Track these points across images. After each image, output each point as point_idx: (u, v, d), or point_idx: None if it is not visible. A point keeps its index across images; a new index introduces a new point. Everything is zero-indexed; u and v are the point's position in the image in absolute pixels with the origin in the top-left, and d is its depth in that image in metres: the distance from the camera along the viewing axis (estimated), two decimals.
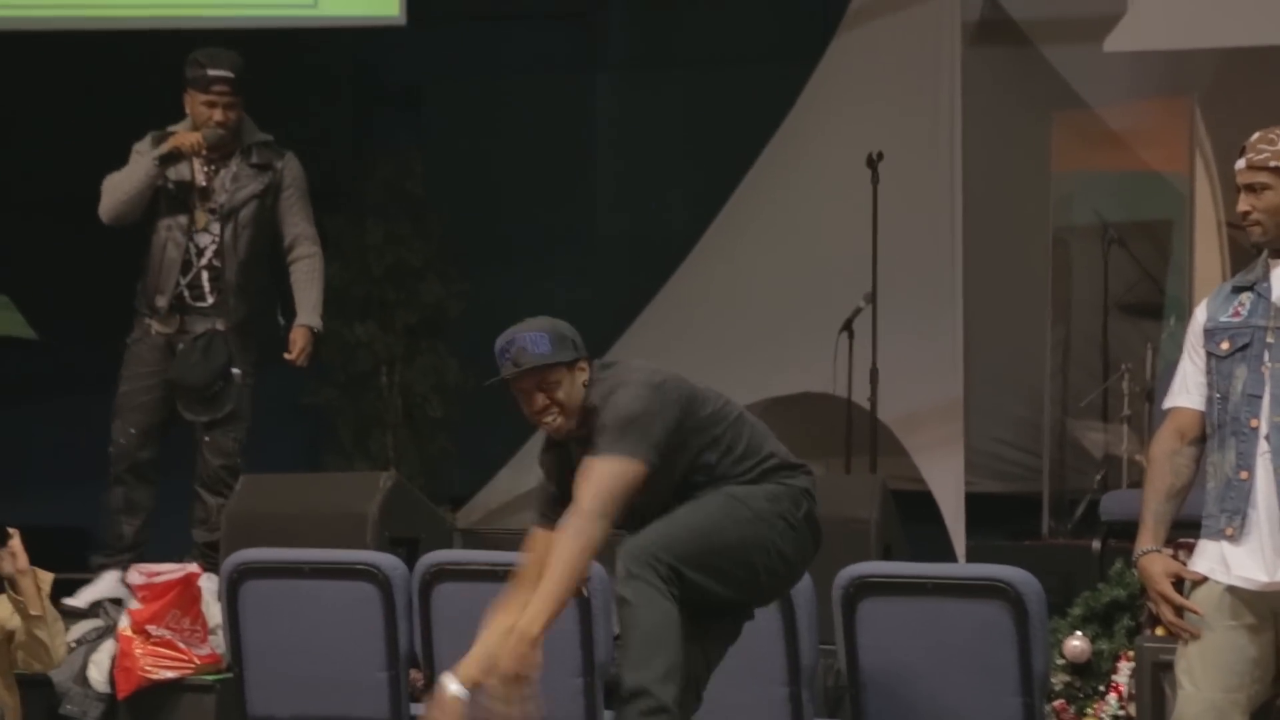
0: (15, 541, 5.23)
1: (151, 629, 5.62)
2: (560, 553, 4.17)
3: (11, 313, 6.91)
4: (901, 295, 7.38)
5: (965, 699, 4.71)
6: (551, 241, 9.28)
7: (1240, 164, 4.09)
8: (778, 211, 8.17)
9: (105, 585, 6.11)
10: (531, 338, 4.33)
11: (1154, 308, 7.97)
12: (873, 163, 7.28)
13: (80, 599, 6.05)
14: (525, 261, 9.17)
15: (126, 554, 6.15)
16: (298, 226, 6.31)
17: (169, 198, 6.17)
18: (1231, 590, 3.99)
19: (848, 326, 7.33)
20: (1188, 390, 4.13)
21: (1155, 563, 4.06)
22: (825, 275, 7.82)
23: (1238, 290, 4.11)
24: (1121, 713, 5.03)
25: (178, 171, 6.17)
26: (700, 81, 9.13)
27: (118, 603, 6.01)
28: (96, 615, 5.98)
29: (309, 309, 6.31)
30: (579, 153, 9.51)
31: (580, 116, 9.54)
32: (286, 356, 6.26)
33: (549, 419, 4.27)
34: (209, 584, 5.79)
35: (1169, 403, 4.17)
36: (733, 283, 8.29)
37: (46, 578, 5.39)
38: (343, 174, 9.25)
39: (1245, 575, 3.98)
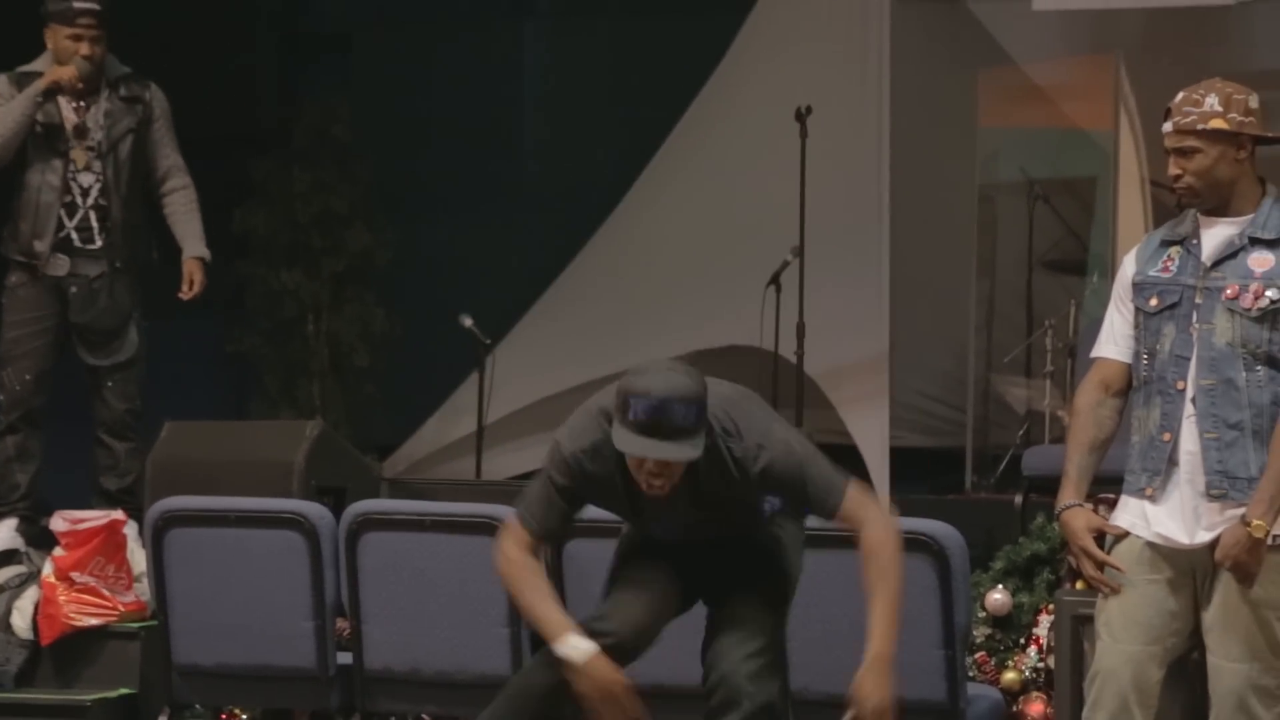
0: None
1: (75, 575, 5.58)
2: (888, 569, 4.03)
3: None
4: (828, 249, 7.41)
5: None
6: (480, 190, 9.25)
7: (1167, 127, 4.04)
8: (706, 164, 8.18)
9: (2, 536, 6.03)
10: (683, 410, 3.86)
11: (1078, 264, 8.05)
12: (801, 116, 7.29)
13: None
14: (453, 210, 9.14)
15: (21, 503, 6.09)
16: (169, 158, 6.21)
17: (36, 140, 6.05)
18: (1152, 545, 4.04)
19: (775, 280, 7.36)
20: (1114, 341, 4.14)
21: (1077, 517, 4.09)
22: (753, 228, 7.84)
23: (1166, 244, 4.10)
24: (1041, 665, 5.09)
25: (46, 112, 6.05)
26: (629, 31, 9.11)
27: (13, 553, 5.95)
28: (20, 562, 5.94)
29: (195, 240, 6.22)
30: (508, 101, 9.48)
31: (509, 64, 9.50)
32: (182, 293, 6.16)
33: (656, 486, 3.91)
34: (133, 531, 5.76)
35: (1095, 352, 4.18)
36: (660, 235, 8.30)
37: None
38: (269, 120, 9.18)
39: (1166, 535, 4.02)
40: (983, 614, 5.22)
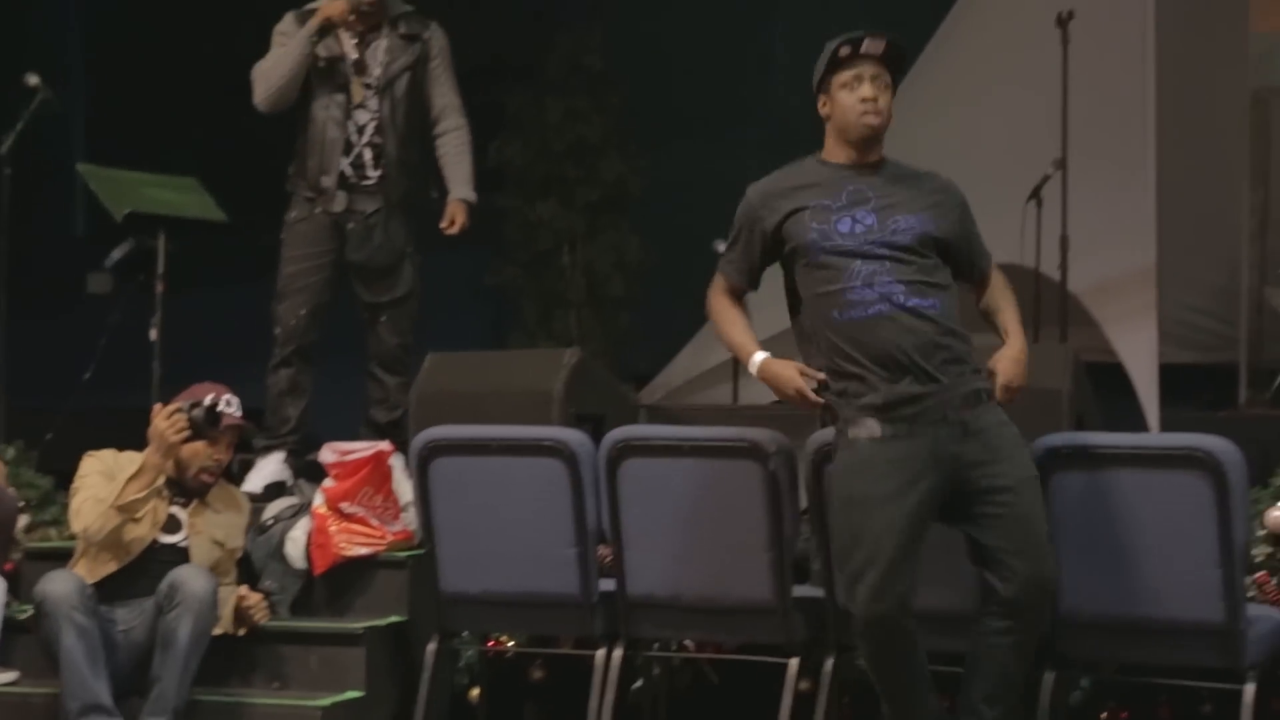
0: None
1: (345, 506, 5.67)
2: (1008, 290, 4.63)
3: (200, 195, 6.98)
4: (1092, 161, 7.20)
5: (1162, 570, 4.61)
6: (731, 114, 9.19)
7: None
8: (964, 75, 8.00)
9: (272, 468, 6.17)
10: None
11: None
12: (1063, 22, 7.08)
13: (252, 484, 6.12)
14: (706, 136, 9.10)
15: (291, 436, 6.19)
16: (445, 98, 6.24)
17: (321, 75, 6.13)
18: None
19: (1036, 194, 7.17)
20: None
21: None
22: (1012, 140, 7.65)
23: None
24: None
25: (327, 47, 6.12)
26: None
27: (281, 485, 6.08)
28: (291, 493, 6.07)
29: (462, 182, 6.26)
30: (757, 23, 9.39)
31: None
32: (442, 227, 6.22)
33: (874, 113, 4.46)
34: (399, 461, 5.84)
35: None
36: (916, 150, 8.10)
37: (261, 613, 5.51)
38: (521, 50, 9.23)
39: None
40: (1262, 532, 5.02)
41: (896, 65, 4.53)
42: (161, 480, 5.30)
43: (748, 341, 4.51)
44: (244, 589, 5.44)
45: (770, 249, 4.55)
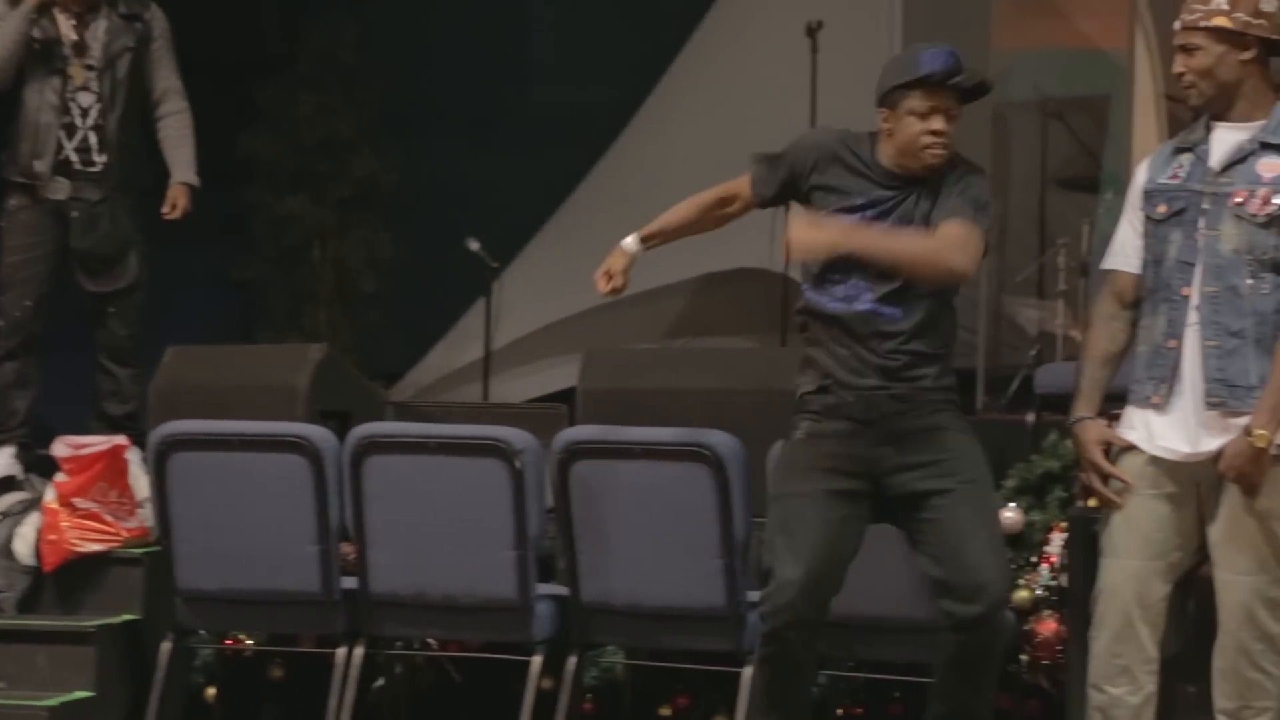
0: None
1: (78, 502, 5.55)
2: (939, 238, 4.17)
3: None
4: None
5: (886, 569, 4.70)
6: (486, 113, 9.17)
7: (1176, 24, 4.04)
8: (716, 81, 8.08)
9: (1, 462, 5.99)
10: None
11: (1091, 182, 7.97)
12: (812, 32, 7.20)
13: None
14: (460, 133, 9.06)
15: (20, 430, 6.03)
16: (167, 80, 6.10)
17: (35, 56, 5.96)
18: (1155, 460, 4.01)
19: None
20: (1125, 253, 4.13)
21: (1088, 430, 4.09)
22: (763, 147, 7.72)
23: (1179, 151, 4.07)
24: (1054, 583, 5.04)
25: (43, 28, 5.95)
26: None
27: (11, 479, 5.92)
28: (21, 488, 5.90)
29: (185, 166, 6.11)
30: (514, 22, 9.39)
31: None
32: (164, 212, 6.09)
33: (941, 148, 4.18)
34: (136, 456, 5.72)
35: (1106, 264, 4.17)
36: (670, 154, 8.21)
37: None
38: (274, 43, 9.10)
39: (1168, 446, 4.00)
40: None
41: (972, 100, 4.26)
42: None
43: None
44: None
45: (789, 192, 4.55)
